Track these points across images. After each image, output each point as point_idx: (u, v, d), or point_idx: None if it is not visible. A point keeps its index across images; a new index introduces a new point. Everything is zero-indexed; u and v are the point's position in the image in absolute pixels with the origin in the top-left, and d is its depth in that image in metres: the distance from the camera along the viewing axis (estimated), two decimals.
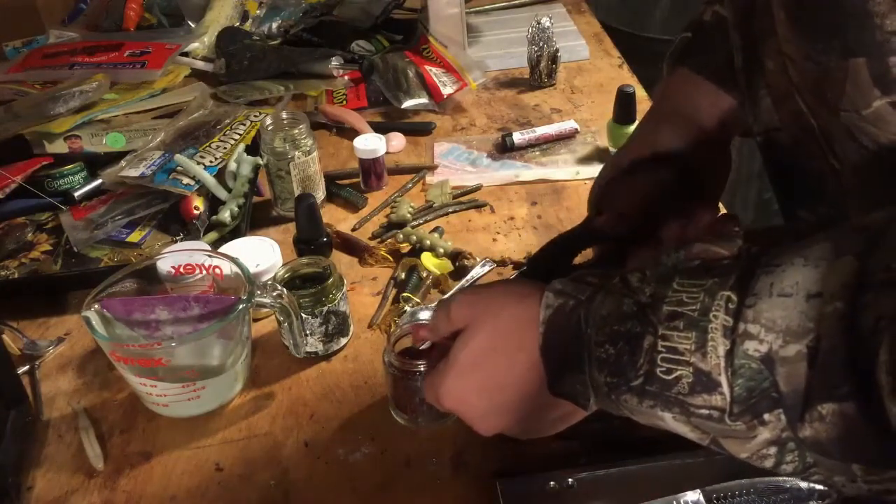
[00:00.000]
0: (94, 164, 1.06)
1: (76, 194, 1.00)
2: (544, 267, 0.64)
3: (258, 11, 1.53)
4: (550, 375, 0.47)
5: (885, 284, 0.34)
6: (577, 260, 0.66)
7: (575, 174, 1.04)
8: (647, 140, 0.69)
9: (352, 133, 1.15)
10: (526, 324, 0.48)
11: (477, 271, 0.86)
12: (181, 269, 0.74)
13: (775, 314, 0.37)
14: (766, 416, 0.38)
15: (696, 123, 0.67)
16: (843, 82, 0.44)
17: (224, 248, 0.82)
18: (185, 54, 1.42)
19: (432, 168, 1.07)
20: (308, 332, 0.73)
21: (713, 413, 0.40)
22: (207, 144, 1.03)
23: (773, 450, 0.39)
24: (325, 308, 0.73)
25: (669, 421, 0.42)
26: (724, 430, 0.40)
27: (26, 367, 0.78)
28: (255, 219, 0.97)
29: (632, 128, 1.05)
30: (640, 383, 0.42)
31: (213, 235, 0.93)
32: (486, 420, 0.52)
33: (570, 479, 0.59)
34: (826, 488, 0.56)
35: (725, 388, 0.39)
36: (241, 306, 0.67)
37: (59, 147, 1.09)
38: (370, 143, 1.01)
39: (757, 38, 0.53)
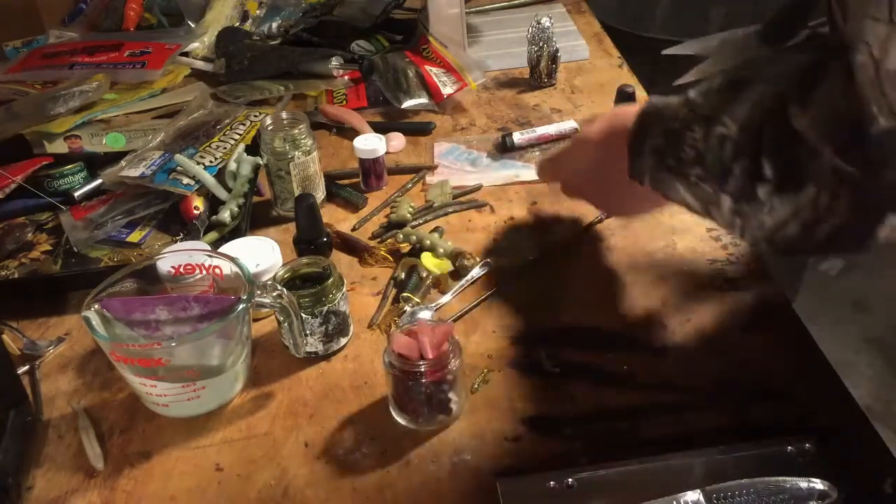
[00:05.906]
0: (94, 164, 1.06)
1: (76, 194, 1.00)
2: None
3: (258, 11, 1.53)
4: (630, 162, 0.67)
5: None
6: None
7: None
8: None
9: (352, 133, 1.15)
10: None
11: (477, 271, 0.86)
12: (181, 269, 0.74)
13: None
14: (727, 184, 0.56)
15: None
16: None
17: (224, 248, 0.82)
18: (185, 54, 1.42)
19: (432, 168, 1.07)
20: (308, 332, 0.73)
21: (699, 182, 0.58)
22: (207, 144, 1.03)
23: (738, 221, 0.56)
24: (325, 308, 0.73)
25: (682, 191, 0.61)
26: (707, 196, 0.58)
27: (26, 367, 0.78)
28: (255, 219, 0.97)
29: None
30: (673, 164, 0.61)
31: (213, 235, 0.93)
32: (582, 188, 0.81)
33: (570, 479, 0.59)
34: (824, 487, 0.56)
35: (709, 161, 0.57)
36: (241, 306, 0.67)
37: (59, 147, 1.09)
38: (370, 143, 1.01)
39: None
